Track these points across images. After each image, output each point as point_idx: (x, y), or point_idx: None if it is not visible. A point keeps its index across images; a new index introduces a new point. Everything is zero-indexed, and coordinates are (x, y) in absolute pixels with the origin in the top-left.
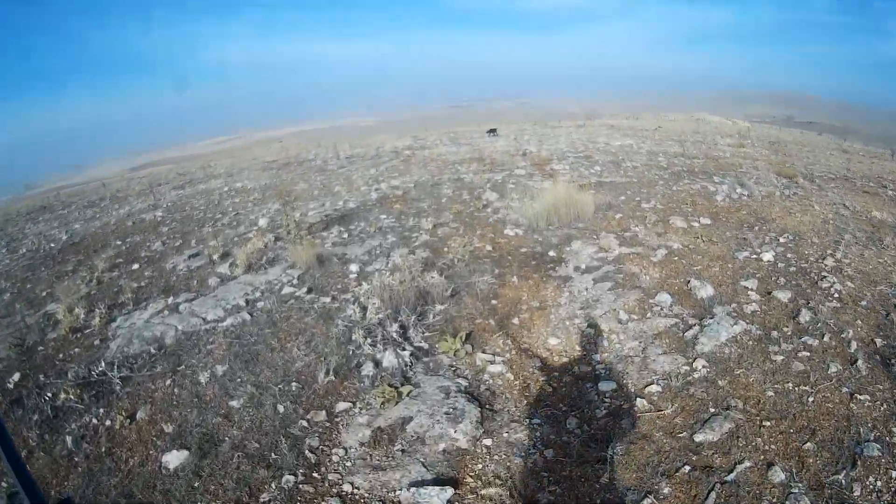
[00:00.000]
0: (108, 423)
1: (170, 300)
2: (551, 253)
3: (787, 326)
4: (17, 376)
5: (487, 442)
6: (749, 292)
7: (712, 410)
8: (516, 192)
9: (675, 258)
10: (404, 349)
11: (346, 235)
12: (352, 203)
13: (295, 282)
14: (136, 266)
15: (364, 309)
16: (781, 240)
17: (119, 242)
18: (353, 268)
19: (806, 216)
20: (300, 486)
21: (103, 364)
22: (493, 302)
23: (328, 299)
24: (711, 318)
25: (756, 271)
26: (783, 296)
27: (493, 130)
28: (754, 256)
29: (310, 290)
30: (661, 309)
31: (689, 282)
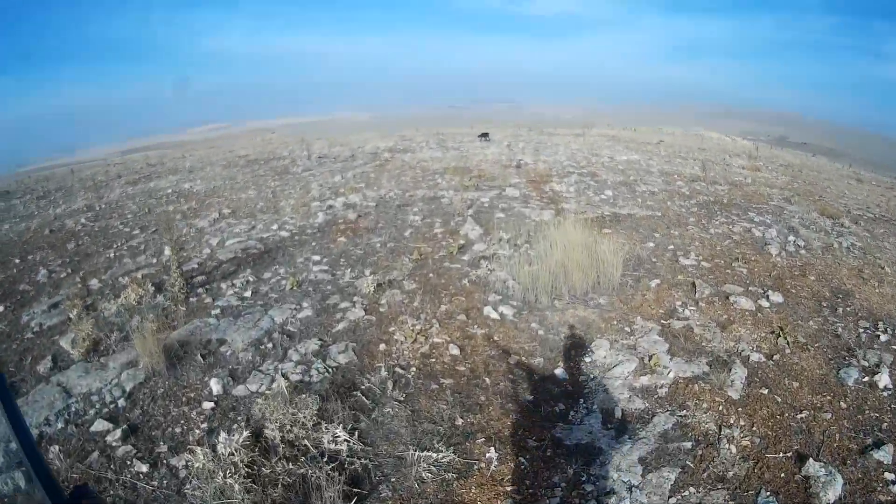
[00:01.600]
0: None
1: None
2: (559, 371)
3: None
4: None
5: None
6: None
7: None
8: (507, 226)
9: (761, 388)
10: None
11: (247, 294)
12: (287, 229)
13: (119, 404)
14: None
15: None
16: (881, 336)
17: (18, 261)
18: (215, 387)
19: (885, 287)
20: None
21: None
22: None
23: (145, 468)
24: None
25: (879, 418)
26: None
27: (484, 135)
28: (865, 379)
29: (130, 433)
30: None
31: (799, 461)
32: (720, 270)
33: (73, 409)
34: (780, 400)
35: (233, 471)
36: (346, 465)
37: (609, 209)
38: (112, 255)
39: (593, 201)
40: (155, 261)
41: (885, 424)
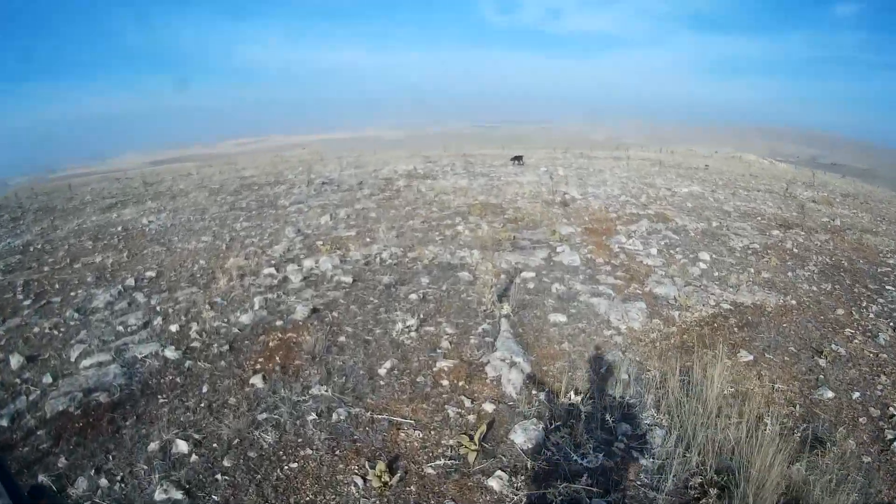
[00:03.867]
0: None
1: None
2: None
3: None
4: None
5: None
6: None
7: None
8: (574, 352)
9: None
10: None
11: None
12: (187, 341)
13: None
14: None
15: None
16: None
17: None
18: None
19: None
20: None
21: None
22: None
23: None
24: None
25: None
26: None
27: (518, 158)
28: None
29: None
30: None
31: None
32: None
33: None
34: None
35: None
36: None
37: (720, 293)
38: None
39: (691, 275)
40: None
41: None
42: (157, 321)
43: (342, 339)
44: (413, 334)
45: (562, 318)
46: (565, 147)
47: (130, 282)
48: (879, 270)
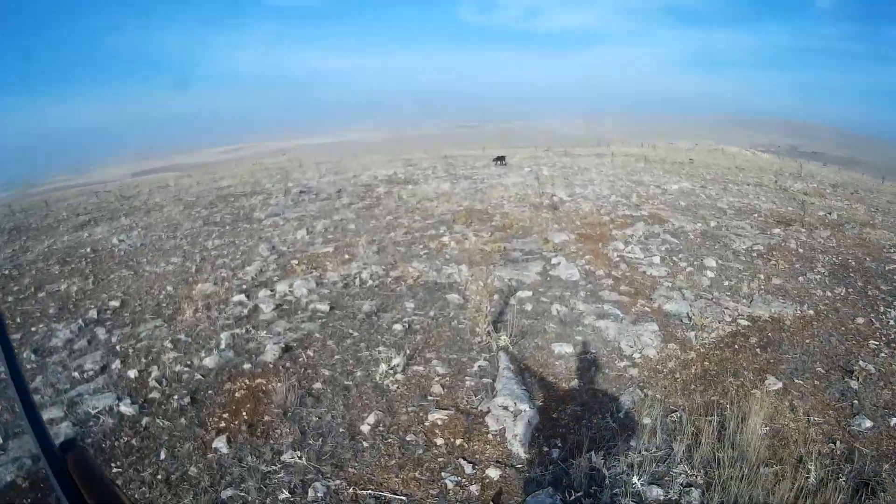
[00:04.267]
0: None
1: None
2: None
3: None
4: None
5: None
6: None
7: None
8: (582, 374)
9: None
10: None
11: None
12: (145, 392)
13: None
14: None
15: None
16: None
17: None
18: None
19: None
20: None
21: None
22: None
23: None
24: None
25: None
26: None
27: (500, 158)
28: None
29: None
30: None
31: None
32: None
33: None
34: None
35: None
36: None
37: (734, 306)
38: None
39: (700, 286)
40: None
41: None
42: (116, 365)
43: (318, 385)
44: (399, 377)
45: (567, 348)
46: (547, 145)
47: (93, 314)
48: (888, 268)
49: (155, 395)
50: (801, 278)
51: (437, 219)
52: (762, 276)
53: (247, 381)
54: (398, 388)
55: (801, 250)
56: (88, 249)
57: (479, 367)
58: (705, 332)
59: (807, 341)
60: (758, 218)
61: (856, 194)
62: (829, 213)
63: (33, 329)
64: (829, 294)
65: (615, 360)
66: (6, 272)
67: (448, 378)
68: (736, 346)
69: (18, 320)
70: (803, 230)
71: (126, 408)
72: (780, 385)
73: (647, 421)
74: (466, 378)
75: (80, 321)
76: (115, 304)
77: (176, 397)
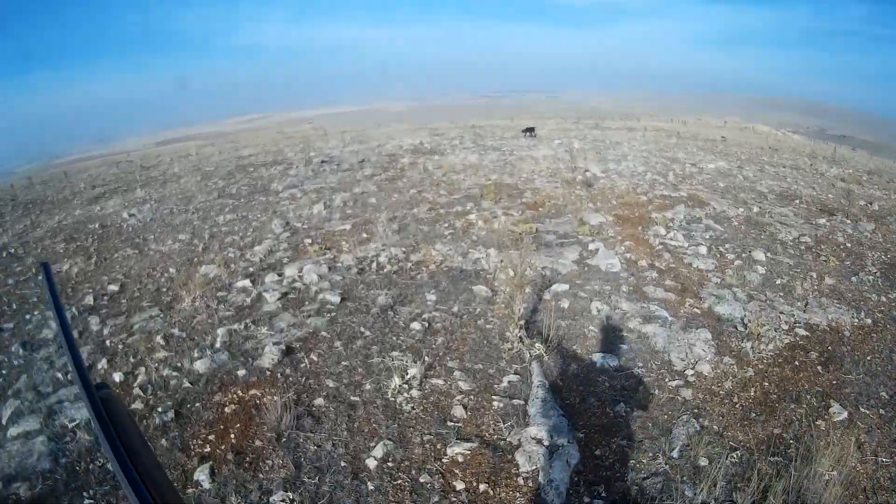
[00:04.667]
0: None
1: None
2: None
3: None
4: None
5: None
6: None
7: None
8: (629, 396)
9: None
10: None
11: None
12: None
13: None
14: None
15: None
16: None
17: None
18: None
19: None
20: None
21: None
22: None
23: None
24: None
25: None
26: None
27: (530, 129)
28: None
29: None
30: None
31: None
32: None
33: None
34: None
35: None
36: None
37: (789, 310)
38: None
39: (751, 284)
40: None
41: None
42: (102, 364)
43: (320, 401)
44: (415, 393)
45: (612, 361)
46: (576, 118)
47: (89, 300)
48: None
49: (138, 405)
50: (853, 279)
51: (463, 193)
52: (814, 275)
53: (239, 391)
54: (413, 408)
55: (848, 245)
56: (97, 225)
57: (508, 382)
58: (762, 343)
59: (868, 358)
60: (800, 205)
61: (892, 183)
62: (871, 203)
63: (27, 317)
64: (884, 299)
65: (665, 378)
66: (12, 250)
67: (472, 396)
68: (796, 363)
69: (14, 306)
70: (848, 221)
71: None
72: (845, 415)
73: (703, 462)
74: (494, 398)
75: (73, 309)
76: (113, 287)
77: (160, 409)
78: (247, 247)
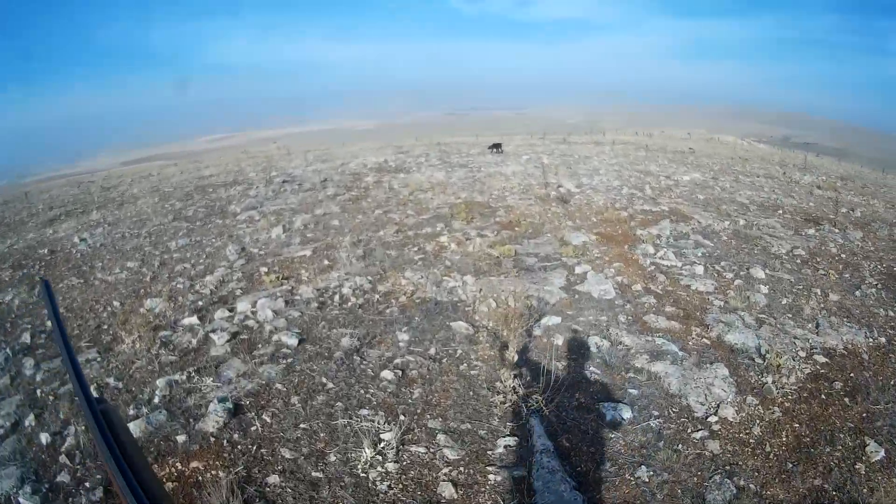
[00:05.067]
0: None
1: None
2: None
3: None
4: None
5: None
6: None
7: None
8: (649, 459)
9: None
10: None
11: None
12: (29, 496)
13: None
14: None
15: None
16: None
17: None
18: None
19: None
20: None
21: None
22: None
23: None
24: None
25: None
26: None
27: (496, 146)
28: None
29: None
30: None
31: None
32: None
33: None
34: None
35: None
36: None
37: (802, 334)
38: None
39: (757, 306)
40: None
41: None
42: (30, 421)
43: (273, 479)
44: (391, 466)
45: (624, 412)
46: (542, 133)
47: (27, 338)
48: None
49: (64, 477)
50: (857, 293)
51: (432, 213)
52: (818, 292)
53: (178, 464)
54: (390, 487)
55: (843, 255)
56: (46, 251)
57: (505, 447)
58: (783, 376)
59: (892, 382)
60: (784, 215)
61: (866, 188)
62: (853, 210)
63: None
64: (892, 314)
65: (688, 429)
66: None
67: (462, 468)
68: (822, 396)
69: None
70: (836, 230)
71: (25, 500)
72: (881, 454)
73: None
74: (488, 469)
75: (7, 350)
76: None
77: (87, 485)
78: (198, 276)
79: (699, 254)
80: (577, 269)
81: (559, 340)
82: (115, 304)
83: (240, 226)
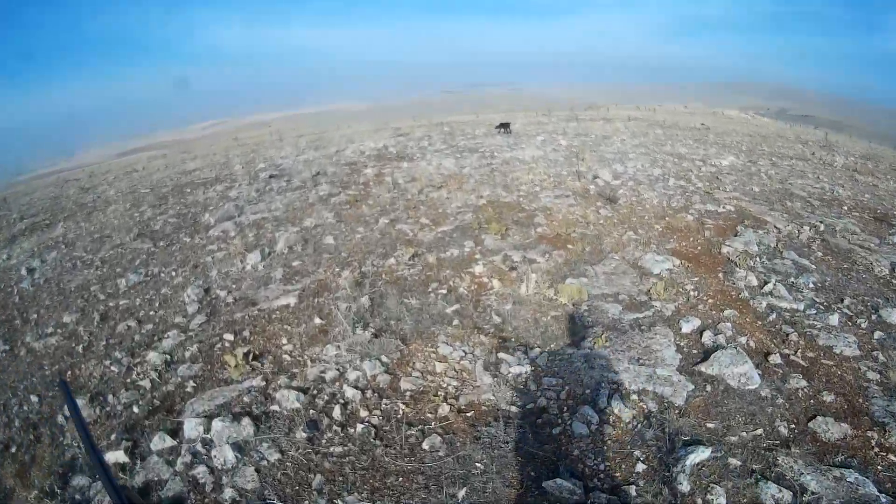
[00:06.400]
0: None
1: None
2: None
3: None
4: None
5: None
6: None
7: None
8: None
9: None
10: None
11: None
12: None
13: None
14: None
15: None
16: None
17: None
18: None
19: None
20: None
21: None
22: None
23: None
24: None
25: None
26: None
27: (504, 126)
28: None
29: None
30: None
31: None
32: None
33: None
34: None
35: None
36: None
37: None
38: None
39: None
40: None
41: None
42: None
43: None
44: None
45: None
46: (547, 109)
47: None
48: None
49: None
50: None
51: (453, 222)
52: None
53: None
54: None
55: None
56: None
57: None
58: None
59: None
60: (851, 212)
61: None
62: None
63: None
64: None
65: None
66: None
67: None
68: None
69: None
70: None
71: None
72: None
73: None
74: None
75: None
76: None
77: None
78: (140, 347)
79: (810, 284)
80: (685, 327)
81: (721, 499)
82: (34, 399)
83: (209, 246)
